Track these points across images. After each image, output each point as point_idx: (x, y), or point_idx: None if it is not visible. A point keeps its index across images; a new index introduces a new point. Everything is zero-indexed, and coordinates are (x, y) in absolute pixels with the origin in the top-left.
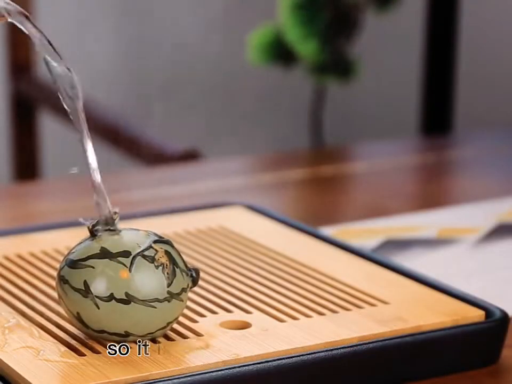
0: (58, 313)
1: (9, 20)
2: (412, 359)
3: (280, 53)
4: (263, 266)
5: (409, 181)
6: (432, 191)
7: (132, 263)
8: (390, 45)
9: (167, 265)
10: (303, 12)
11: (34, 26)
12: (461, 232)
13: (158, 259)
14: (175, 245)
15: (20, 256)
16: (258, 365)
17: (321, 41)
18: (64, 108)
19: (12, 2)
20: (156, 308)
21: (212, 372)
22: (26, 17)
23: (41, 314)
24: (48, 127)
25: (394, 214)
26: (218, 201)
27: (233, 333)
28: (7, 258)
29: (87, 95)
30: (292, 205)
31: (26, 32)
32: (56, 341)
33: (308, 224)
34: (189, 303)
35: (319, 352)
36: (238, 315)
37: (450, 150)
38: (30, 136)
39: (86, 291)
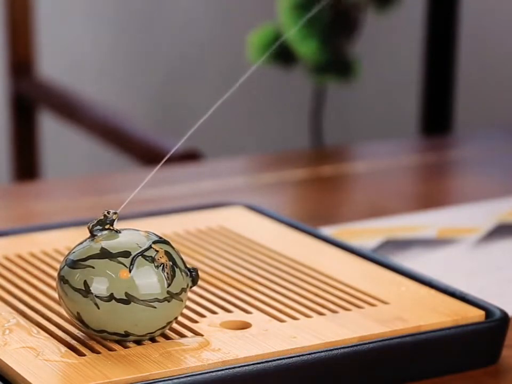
0: (58, 313)
1: None
2: (412, 359)
3: (280, 53)
4: (263, 266)
5: (409, 181)
6: (432, 191)
7: (132, 263)
8: (390, 45)
9: (167, 265)
10: (303, 12)
11: None
12: (461, 232)
13: (158, 259)
14: (175, 245)
15: (19, 256)
16: (258, 365)
17: (321, 41)
18: (64, 107)
19: None
20: (155, 307)
21: (211, 372)
22: None
23: (41, 314)
24: (48, 127)
25: (394, 214)
26: (218, 201)
27: (233, 333)
28: (7, 258)
29: (88, 94)
30: (292, 205)
31: None
32: (56, 341)
33: (308, 224)
34: (189, 303)
35: (319, 352)
36: (238, 315)
37: (450, 150)
38: (30, 136)
39: (86, 291)
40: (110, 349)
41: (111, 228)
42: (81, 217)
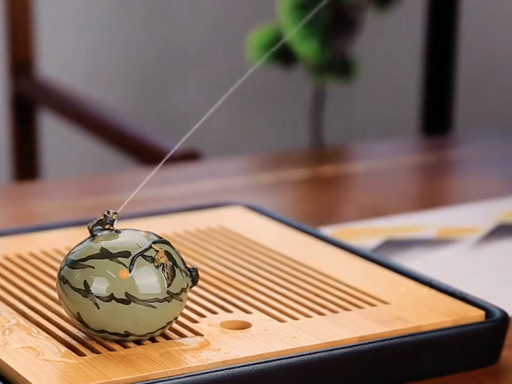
0: (58, 313)
1: None
2: (412, 359)
3: (280, 53)
4: (263, 266)
5: (409, 181)
6: (432, 191)
7: (132, 263)
8: (390, 45)
9: (167, 265)
10: (303, 12)
11: None
12: (461, 232)
13: (158, 259)
14: (175, 245)
15: (19, 256)
16: (258, 365)
17: (321, 41)
18: (64, 107)
19: None
20: (155, 307)
21: (211, 372)
22: None
23: (41, 314)
24: (48, 127)
25: (394, 214)
26: (218, 201)
27: (233, 333)
28: (7, 258)
29: (88, 94)
30: (292, 205)
31: None
32: (56, 341)
33: (308, 224)
34: (189, 303)
35: (319, 352)
36: (238, 315)
37: (450, 150)
38: (30, 136)
39: (86, 291)
40: (110, 349)
41: (111, 228)
42: (81, 217)
